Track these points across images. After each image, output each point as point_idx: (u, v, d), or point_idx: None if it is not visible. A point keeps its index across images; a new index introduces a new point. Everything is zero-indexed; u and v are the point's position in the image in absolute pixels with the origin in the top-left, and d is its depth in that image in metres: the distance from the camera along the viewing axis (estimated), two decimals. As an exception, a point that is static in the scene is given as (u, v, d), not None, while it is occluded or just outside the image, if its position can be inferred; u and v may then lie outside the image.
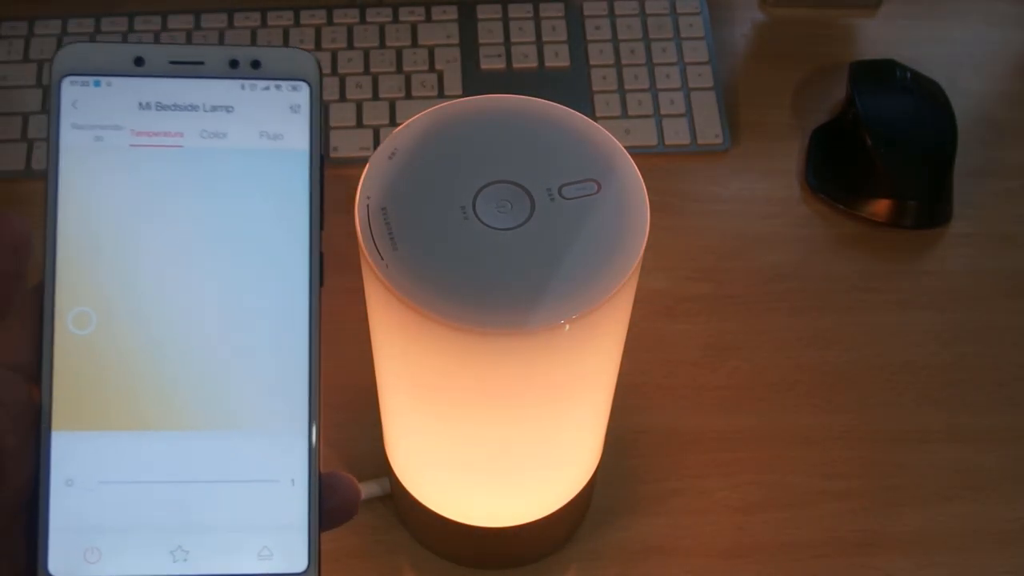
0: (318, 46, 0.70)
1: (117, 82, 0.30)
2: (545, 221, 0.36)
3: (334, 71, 0.69)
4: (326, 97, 0.68)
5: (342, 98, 0.68)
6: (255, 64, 0.30)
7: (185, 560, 0.29)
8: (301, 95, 0.30)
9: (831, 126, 0.68)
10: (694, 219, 0.65)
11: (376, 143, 0.66)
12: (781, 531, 0.55)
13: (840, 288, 0.63)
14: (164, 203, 0.30)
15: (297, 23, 0.71)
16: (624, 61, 0.70)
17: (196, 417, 0.29)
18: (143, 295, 0.29)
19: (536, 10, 0.72)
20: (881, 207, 0.64)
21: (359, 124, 0.67)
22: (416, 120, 0.39)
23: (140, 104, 0.30)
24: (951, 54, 0.72)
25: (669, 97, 0.69)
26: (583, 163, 0.38)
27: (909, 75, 0.68)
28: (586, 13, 0.72)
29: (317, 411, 0.30)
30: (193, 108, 0.30)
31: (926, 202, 0.64)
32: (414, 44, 0.70)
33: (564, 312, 0.35)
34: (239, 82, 0.30)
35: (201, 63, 0.30)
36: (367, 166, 0.37)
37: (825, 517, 0.55)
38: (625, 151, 0.38)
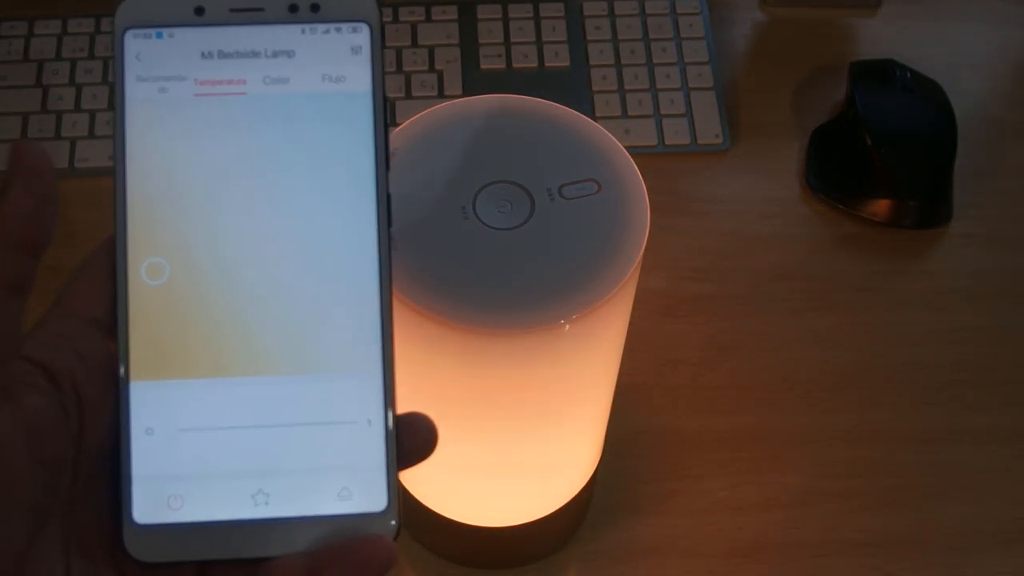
0: (318, 46, 0.70)
1: (179, 32, 0.30)
2: (545, 221, 0.36)
3: (334, 71, 0.69)
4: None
5: (342, 98, 0.68)
6: (314, 8, 0.30)
7: (266, 503, 0.29)
8: (362, 36, 0.30)
9: (831, 126, 0.68)
10: (694, 219, 0.65)
11: (376, 143, 0.66)
12: (781, 531, 0.55)
13: (840, 288, 0.63)
14: (230, 151, 0.30)
15: (297, 23, 0.71)
16: (624, 61, 0.70)
17: (272, 362, 0.29)
18: (214, 244, 0.29)
19: (536, 10, 0.72)
20: (881, 207, 0.64)
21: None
22: (416, 120, 0.39)
23: (202, 53, 0.30)
24: (951, 54, 0.72)
25: (669, 97, 0.69)
26: (583, 163, 0.38)
27: (909, 75, 0.68)
28: (586, 13, 0.72)
29: (391, 353, 0.29)
30: (255, 55, 0.30)
31: (926, 202, 0.64)
32: (414, 44, 0.70)
33: (564, 312, 0.35)
34: (299, 26, 0.30)
35: (261, 9, 0.30)
36: (367, 166, 0.37)
37: (825, 517, 0.55)
38: (625, 151, 0.38)
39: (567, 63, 0.70)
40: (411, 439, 0.30)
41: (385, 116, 0.30)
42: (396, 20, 0.71)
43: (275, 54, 0.30)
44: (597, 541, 0.54)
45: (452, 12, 0.71)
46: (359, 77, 0.30)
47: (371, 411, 0.29)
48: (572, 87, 0.69)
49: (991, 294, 0.63)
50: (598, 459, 0.50)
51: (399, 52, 0.70)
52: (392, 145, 0.38)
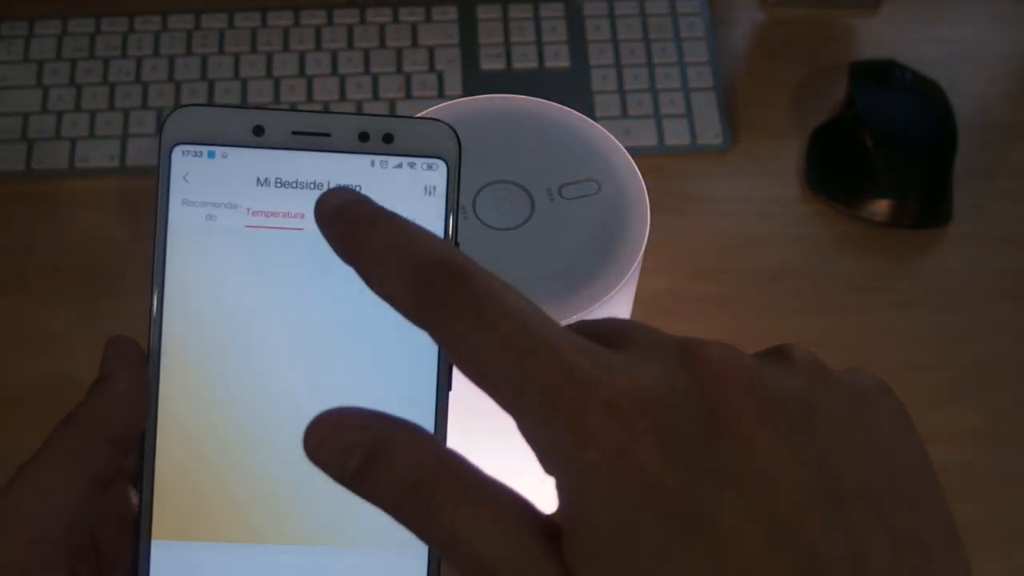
0: (318, 46, 0.70)
1: (234, 153, 0.27)
2: (545, 221, 0.36)
3: (334, 71, 0.69)
4: (326, 98, 0.68)
5: (342, 98, 0.68)
6: (387, 138, 0.27)
7: None
8: (437, 175, 0.27)
9: (831, 126, 0.68)
10: (694, 219, 0.65)
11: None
12: (781, 531, 0.55)
13: (840, 288, 0.63)
14: (281, 291, 0.27)
15: (297, 23, 0.71)
16: (624, 61, 0.70)
17: (307, 530, 0.26)
18: (255, 396, 0.27)
19: (536, 10, 0.72)
20: (881, 207, 0.64)
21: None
22: (416, 120, 0.39)
23: (258, 179, 0.27)
24: (951, 54, 0.72)
25: (669, 97, 0.69)
26: (583, 163, 0.38)
27: (909, 75, 0.68)
28: (586, 13, 0.72)
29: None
30: (317, 186, 0.27)
31: (926, 202, 0.64)
32: (414, 44, 0.70)
33: (564, 312, 0.35)
34: (369, 158, 0.27)
35: (327, 135, 0.27)
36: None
37: (825, 517, 0.55)
38: (625, 151, 0.38)
39: (567, 63, 0.70)
40: None
41: None
42: (396, 20, 0.71)
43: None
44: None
45: (452, 12, 0.71)
46: (431, 221, 0.27)
47: None
48: (572, 87, 0.69)
49: (991, 294, 0.63)
50: (598, 459, 0.50)
51: (399, 52, 0.70)
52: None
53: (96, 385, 0.27)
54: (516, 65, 0.70)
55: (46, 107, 0.68)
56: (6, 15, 0.71)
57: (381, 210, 0.24)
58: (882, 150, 0.64)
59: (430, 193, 0.27)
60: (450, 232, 0.27)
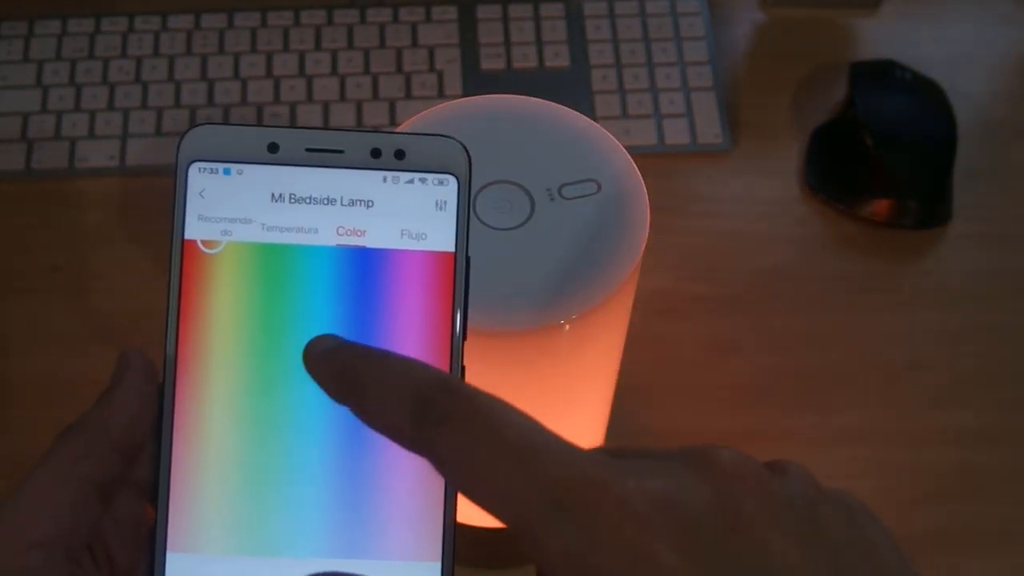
0: (318, 46, 0.70)
1: (249, 170, 0.28)
2: (545, 221, 0.36)
3: (334, 71, 0.69)
4: (326, 98, 0.68)
5: (342, 98, 0.68)
6: (399, 154, 0.28)
7: None
8: (448, 190, 0.28)
9: (831, 126, 0.68)
10: (694, 219, 0.65)
11: (376, 143, 0.66)
12: (781, 531, 0.55)
13: (840, 288, 0.63)
14: (295, 305, 0.27)
15: (297, 23, 0.71)
16: (624, 61, 0.70)
17: (321, 544, 0.27)
18: (268, 409, 0.27)
19: (536, 10, 0.72)
20: (881, 207, 0.64)
21: (359, 124, 0.67)
22: (416, 120, 0.39)
23: (273, 195, 0.28)
24: (951, 54, 0.72)
25: (669, 97, 0.69)
26: (583, 163, 0.38)
27: (909, 75, 0.68)
28: (586, 13, 0.72)
29: (452, 543, 0.27)
30: (330, 201, 0.28)
31: (926, 202, 0.64)
32: (414, 44, 0.70)
33: (564, 312, 0.35)
34: (381, 174, 0.28)
35: (341, 151, 0.28)
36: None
37: (825, 517, 0.55)
38: (625, 151, 0.38)
39: (567, 63, 0.70)
40: None
41: (466, 281, 0.28)
42: (396, 20, 0.71)
43: (352, 202, 0.28)
44: (597, 541, 0.54)
45: (452, 12, 0.71)
46: (441, 236, 0.28)
47: None
48: (572, 87, 0.69)
49: (991, 294, 0.63)
50: (598, 459, 0.50)
51: (399, 52, 0.70)
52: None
53: (103, 394, 0.27)
54: (516, 65, 0.70)
55: (46, 107, 0.68)
56: (6, 15, 0.71)
57: (371, 347, 0.25)
58: (882, 150, 0.64)
59: (441, 208, 0.28)
60: (461, 245, 0.28)
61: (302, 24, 0.71)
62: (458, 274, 0.28)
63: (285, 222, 0.28)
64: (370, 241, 0.28)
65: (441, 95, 0.68)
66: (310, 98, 0.68)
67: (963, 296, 0.63)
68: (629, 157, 0.38)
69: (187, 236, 0.27)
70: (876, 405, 0.59)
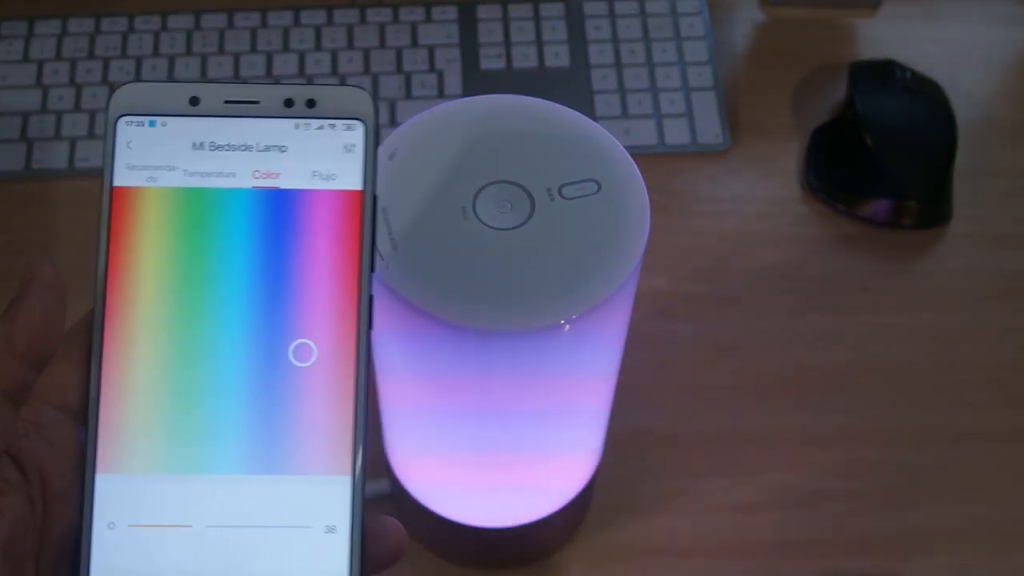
0: (318, 46, 0.70)
1: (172, 122, 0.30)
2: (545, 221, 0.36)
3: (334, 71, 0.69)
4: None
5: (342, 98, 0.68)
6: (310, 103, 0.30)
7: None
8: (355, 134, 0.30)
9: (831, 126, 0.68)
10: (694, 219, 0.65)
11: (376, 143, 0.66)
12: (781, 531, 0.55)
13: (840, 288, 0.63)
14: (216, 244, 0.29)
15: (297, 23, 0.71)
16: (624, 61, 0.70)
17: (240, 461, 0.29)
18: (190, 337, 0.29)
19: (536, 10, 0.72)
20: (881, 207, 0.64)
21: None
22: (416, 120, 0.39)
23: (194, 144, 0.30)
24: (951, 54, 0.72)
25: (669, 97, 0.69)
26: (583, 163, 0.38)
27: (909, 75, 0.68)
28: (586, 13, 0.72)
29: (364, 456, 0.29)
30: (247, 148, 0.30)
31: (926, 202, 0.64)
32: (414, 44, 0.70)
33: (564, 312, 0.35)
34: (293, 121, 0.30)
35: (256, 102, 0.30)
36: (367, 166, 0.37)
37: (825, 517, 0.55)
38: (625, 151, 0.38)
39: (567, 63, 0.70)
40: (378, 546, 0.29)
41: (373, 217, 0.30)
42: (396, 20, 0.71)
43: (267, 148, 0.30)
44: (597, 541, 0.54)
45: (452, 12, 0.71)
46: (350, 176, 0.30)
47: (337, 517, 0.29)
48: (572, 87, 0.69)
49: (991, 294, 0.63)
50: (598, 459, 0.50)
51: (399, 52, 0.70)
52: (392, 145, 0.38)
53: (7, 306, 0.28)
54: (516, 65, 0.70)
55: (46, 107, 0.68)
56: (6, 15, 0.71)
57: None
58: (882, 150, 0.64)
59: (349, 150, 0.30)
60: (369, 184, 0.30)
61: (302, 24, 0.71)
62: (366, 210, 0.30)
63: (206, 168, 0.30)
64: (284, 182, 0.30)
65: (441, 95, 0.68)
66: (310, 98, 0.68)
67: (963, 296, 0.63)
68: (629, 157, 0.38)
69: (116, 183, 0.30)
70: (876, 405, 0.59)
